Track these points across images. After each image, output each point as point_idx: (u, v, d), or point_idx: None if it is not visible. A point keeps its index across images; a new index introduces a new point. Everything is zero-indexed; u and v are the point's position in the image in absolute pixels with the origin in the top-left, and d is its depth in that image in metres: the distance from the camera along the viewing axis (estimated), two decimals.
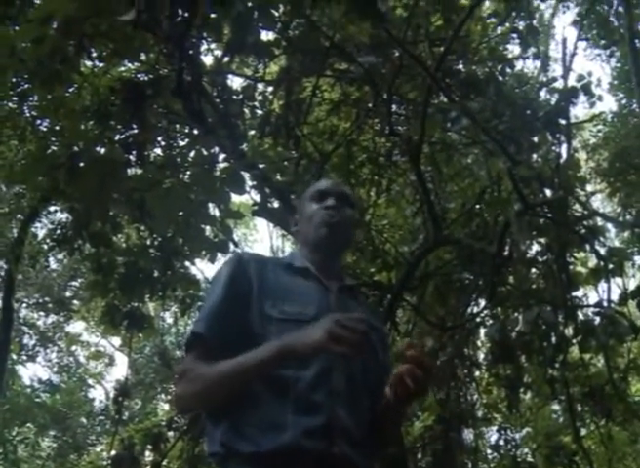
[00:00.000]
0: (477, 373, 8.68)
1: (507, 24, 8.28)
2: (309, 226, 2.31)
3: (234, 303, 2.09)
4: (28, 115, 10.21)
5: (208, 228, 5.54)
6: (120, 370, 30.13)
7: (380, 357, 2.24)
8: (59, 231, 7.48)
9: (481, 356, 8.89)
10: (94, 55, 6.22)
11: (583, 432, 8.42)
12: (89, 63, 7.26)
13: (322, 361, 2.00)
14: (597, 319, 6.12)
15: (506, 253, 6.39)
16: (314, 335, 1.83)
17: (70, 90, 6.99)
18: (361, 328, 1.82)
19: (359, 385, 2.07)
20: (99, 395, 25.82)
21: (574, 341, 6.37)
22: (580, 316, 6.49)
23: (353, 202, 2.43)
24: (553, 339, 6.32)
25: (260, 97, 7.13)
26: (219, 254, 5.86)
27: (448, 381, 7.62)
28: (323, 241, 2.27)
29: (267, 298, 2.09)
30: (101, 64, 6.94)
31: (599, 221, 6.96)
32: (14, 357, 19.21)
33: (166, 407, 18.26)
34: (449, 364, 7.59)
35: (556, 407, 10.31)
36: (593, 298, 7.01)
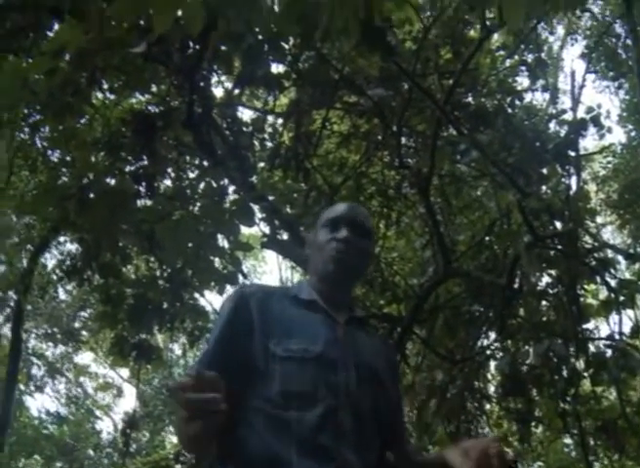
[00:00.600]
0: (488, 407, 8.60)
1: (516, 57, 8.32)
2: (319, 256, 2.23)
3: (234, 341, 2.03)
4: (40, 146, 10.29)
5: (217, 260, 5.53)
6: (128, 401, 30.03)
7: (389, 392, 2.16)
8: (68, 262, 7.49)
9: (491, 389, 8.81)
10: (105, 87, 6.27)
11: (596, 467, 8.32)
12: (100, 95, 7.33)
13: (328, 399, 1.94)
14: (609, 352, 6.07)
15: (516, 285, 6.35)
16: None
17: (82, 121, 7.05)
18: None
19: (368, 424, 1.99)
20: (106, 427, 25.73)
21: (585, 374, 6.31)
22: (592, 349, 6.43)
23: (369, 229, 2.32)
24: (564, 372, 6.27)
25: (269, 130, 7.17)
26: (227, 286, 5.85)
27: (458, 414, 7.53)
28: (330, 275, 2.19)
29: (272, 334, 2.02)
30: (113, 96, 7.00)
31: (609, 253, 6.93)
32: (22, 388, 19.17)
33: (174, 439, 18.12)
34: (459, 397, 7.53)
35: (568, 441, 10.20)
36: (604, 331, 6.98)
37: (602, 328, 7.72)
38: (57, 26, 5.11)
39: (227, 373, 1.90)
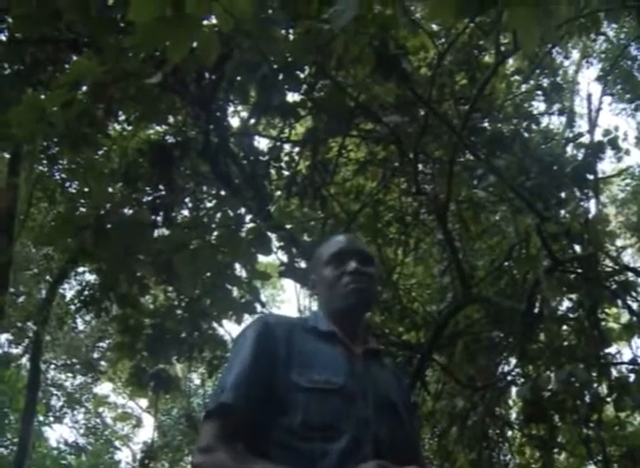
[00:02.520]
0: (510, 433, 8.51)
1: (532, 82, 8.33)
2: (332, 293, 2.20)
3: (261, 370, 1.99)
4: (58, 178, 10.38)
5: (235, 289, 5.52)
6: (147, 431, 29.97)
7: (406, 425, 2.13)
8: (86, 292, 7.52)
9: (513, 415, 8.73)
10: (122, 118, 6.32)
11: None
12: (117, 126, 7.39)
13: (352, 431, 1.92)
14: (632, 376, 6.01)
15: (536, 310, 6.30)
16: None
17: (99, 153, 7.10)
18: None
19: (388, 456, 1.92)
20: (125, 457, 25.59)
21: (608, 399, 6.23)
22: (614, 373, 6.37)
23: (372, 257, 2.32)
24: (587, 398, 6.19)
25: (286, 158, 7.18)
26: (245, 315, 5.84)
27: (479, 442, 7.45)
28: (352, 309, 2.17)
29: (294, 365, 2.00)
30: (130, 127, 7.05)
31: (630, 276, 6.86)
32: (41, 418, 19.14)
33: None
34: (480, 424, 7.45)
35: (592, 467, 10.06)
36: (627, 355, 6.88)
37: (624, 352, 7.63)
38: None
39: (254, 403, 1.94)
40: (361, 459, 1.84)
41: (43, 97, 4.48)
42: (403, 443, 2.06)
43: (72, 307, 13.36)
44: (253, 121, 6.74)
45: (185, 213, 6.85)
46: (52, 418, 20.72)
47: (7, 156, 10.64)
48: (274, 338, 2.06)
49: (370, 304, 2.29)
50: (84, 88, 4.24)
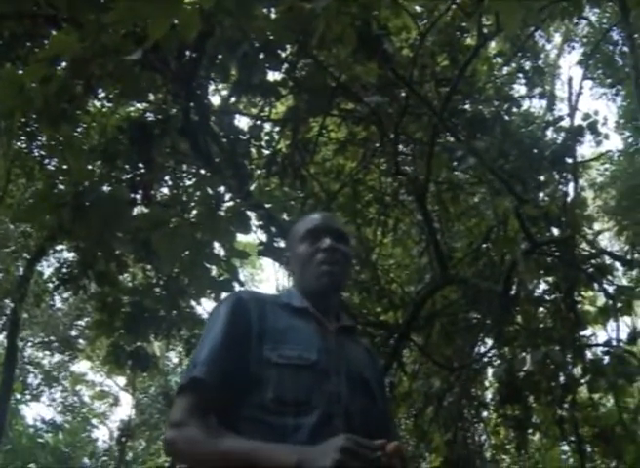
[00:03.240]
0: (485, 414, 8.59)
1: (513, 64, 8.33)
2: (305, 271, 2.22)
3: (234, 345, 2.00)
4: (37, 154, 10.29)
5: (214, 268, 5.52)
6: (124, 410, 29.99)
7: (378, 402, 2.15)
8: (64, 270, 7.47)
9: (488, 396, 8.80)
10: (101, 95, 6.26)
11: None
12: (97, 103, 7.33)
13: (323, 407, 1.94)
14: (606, 358, 6.07)
15: (513, 292, 6.35)
16: (330, 457, 1.70)
17: (78, 129, 7.04)
18: (371, 456, 1.72)
19: (360, 432, 1.90)
20: (102, 435, 25.66)
21: (582, 381, 6.30)
22: (589, 355, 6.44)
23: (347, 235, 2.33)
24: (562, 379, 6.26)
25: (266, 137, 7.17)
26: (224, 294, 5.83)
27: (455, 422, 7.52)
28: (324, 289, 2.19)
29: (267, 340, 2.02)
30: (109, 104, 7.00)
31: (607, 260, 6.92)
32: (17, 396, 19.10)
33: None
34: (456, 404, 7.51)
35: (565, 448, 10.13)
36: (602, 337, 6.97)
37: (599, 334, 7.72)
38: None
39: (226, 378, 1.95)
40: (332, 434, 1.83)
41: (21, 72, 4.44)
42: (375, 418, 2.08)
43: (50, 285, 13.30)
44: (233, 99, 6.71)
45: (165, 190, 6.83)
46: (29, 396, 20.70)
47: None
48: (247, 314, 2.07)
49: (342, 285, 2.29)
50: (63, 64, 4.20)
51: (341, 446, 1.70)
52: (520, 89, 8.94)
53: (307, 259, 2.21)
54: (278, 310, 2.14)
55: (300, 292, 2.23)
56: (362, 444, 1.73)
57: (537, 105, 11.43)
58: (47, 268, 14.65)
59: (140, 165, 5.90)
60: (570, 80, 8.44)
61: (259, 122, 7.10)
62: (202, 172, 6.29)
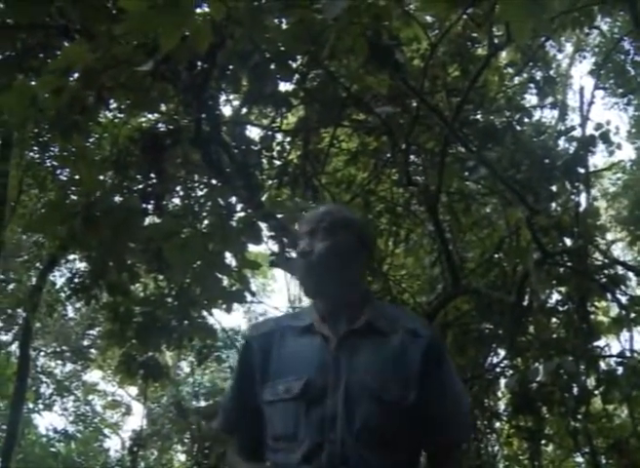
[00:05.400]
0: (497, 425, 8.53)
1: (525, 74, 8.31)
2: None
3: (243, 394, 2.18)
4: (49, 165, 10.34)
5: (225, 278, 5.52)
6: (136, 419, 29.94)
7: (393, 405, 1.99)
8: (76, 280, 7.50)
9: (501, 407, 8.75)
10: (113, 106, 6.29)
11: None
12: (109, 114, 7.36)
13: (311, 437, 1.93)
14: (620, 369, 6.04)
15: (526, 302, 6.32)
16: None
17: (90, 140, 7.07)
18: None
19: (364, 445, 1.93)
20: (114, 445, 25.57)
21: (596, 392, 6.26)
22: (603, 366, 6.39)
23: (334, 223, 2.12)
24: (575, 390, 6.22)
25: (277, 148, 7.16)
26: (235, 304, 5.84)
27: None
28: (309, 294, 2.17)
29: (267, 380, 2.09)
30: (121, 115, 7.02)
31: (620, 270, 6.88)
32: (30, 406, 19.13)
33: (182, 458, 18.05)
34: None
35: (579, 459, 10.05)
36: (615, 348, 6.90)
37: (613, 345, 7.66)
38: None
39: (242, 422, 2.20)
40: (323, 465, 1.89)
41: (34, 83, 4.46)
42: (391, 424, 1.98)
43: (62, 294, 13.36)
44: (244, 110, 6.72)
45: (176, 201, 6.84)
46: (41, 406, 20.72)
47: None
48: (252, 360, 2.15)
49: (325, 288, 2.10)
50: (75, 75, 4.22)
51: None
52: (531, 99, 8.91)
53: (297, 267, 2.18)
54: (288, 335, 2.13)
55: (314, 304, 2.18)
56: None
57: (548, 115, 11.43)
58: (59, 278, 14.72)
59: (152, 175, 5.92)
60: (581, 90, 8.43)
61: (270, 132, 7.09)
62: (213, 182, 6.30)
